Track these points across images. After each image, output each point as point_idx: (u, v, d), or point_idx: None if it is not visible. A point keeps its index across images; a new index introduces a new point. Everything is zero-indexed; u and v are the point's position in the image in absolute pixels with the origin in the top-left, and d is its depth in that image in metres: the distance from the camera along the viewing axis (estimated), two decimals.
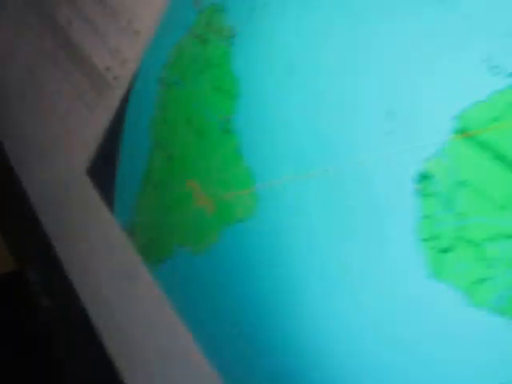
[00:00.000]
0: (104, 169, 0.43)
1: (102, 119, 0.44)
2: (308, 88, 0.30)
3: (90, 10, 0.46)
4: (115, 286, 0.41)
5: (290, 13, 0.32)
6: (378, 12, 0.28)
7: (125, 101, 0.42)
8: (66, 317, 0.47)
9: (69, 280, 0.46)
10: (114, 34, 0.43)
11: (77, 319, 0.44)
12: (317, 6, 0.30)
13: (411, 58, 0.26)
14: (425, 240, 0.25)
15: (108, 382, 0.40)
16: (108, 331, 0.42)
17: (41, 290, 0.48)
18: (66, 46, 0.48)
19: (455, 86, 0.25)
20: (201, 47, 0.36)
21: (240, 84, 0.34)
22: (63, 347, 0.46)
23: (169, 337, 0.37)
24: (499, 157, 0.23)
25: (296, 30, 0.31)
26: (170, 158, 0.38)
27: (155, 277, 0.38)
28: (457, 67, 0.25)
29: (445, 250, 0.24)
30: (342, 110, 0.29)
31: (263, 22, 0.33)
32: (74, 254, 0.45)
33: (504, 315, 0.22)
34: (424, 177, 0.25)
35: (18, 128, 0.54)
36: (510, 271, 0.23)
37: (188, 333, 0.36)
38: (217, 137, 0.34)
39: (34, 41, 0.52)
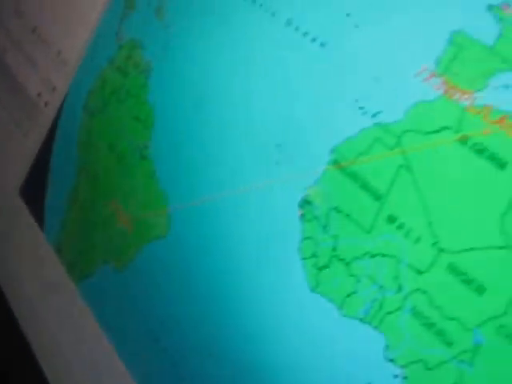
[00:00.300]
0: (35, 189, 0.44)
1: (34, 142, 0.45)
2: (212, 120, 0.33)
3: (25, 39, 0.48)
4: (44, 300, 0.43)
5: (199, 51, 0.34)
6: (271, 57, 0.30)
7: (54, 125, 0.43)
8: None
9: (3, 293, 0.47)
10: (45, 63, 0.45)
11: (9, 330, 0.46)
12: (221, 48, 0.33)
13: (298, 97, 0.29)
14: (306, 258, 0.27)
15: None
16: (39, 343, 0.44)
17: None
18: (1, 73, 0.49)
19: (332, 123, 0.27)
20: (121, 78, 0.38)
21: (155, 114, 0.36)
22: None
23: (92, 350, 0.38)
24: (365, 186, 0.26)
25: (203, 67, 0.34)
26: (94, 179, 0.39)
27: (81, 292, 0.40)
28: (333, 107, 0.27)
29: (322, 268, 0.27)
30: (240, 141, 0.31)
31: (176, 58, 0.36)
32: (7, 268, 0.46)
33: (369, 325, 0.25)
34: (306, 203, 0.28)
35: None
36: (374, 286, 0.25)
37: (111, 346, 0.37)
38: (135, 162, 0.37)
39: None
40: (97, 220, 0.39)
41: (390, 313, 0.25)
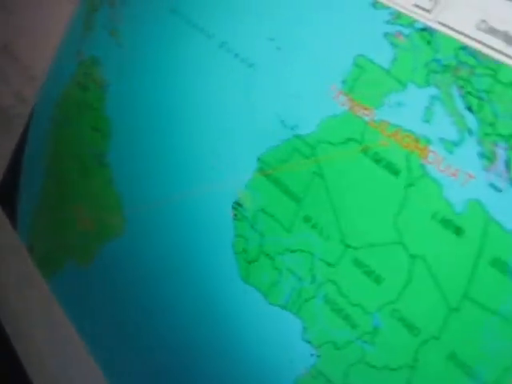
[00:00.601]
0: (9, 193, 0.46)
1: (7, 150, 0.47)
2: (160, 130, 0.34)
3: None
4: (19, 295, 0.44)
5: (148, 68, 0.36)
6: (207, 75, 0.32)
7: (24, 135, 0.45)
8: None
9: None
10: (16, 77, 0.46)
11: None
12: (166, 66, 0.35)
13: (230, 110, 0.31)
14: (238, 253, 0.29)
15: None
16: (16, 335, 0.45)
17: None
18: None
19: (258, 135, 0.29)
20: (81, 93, 0.40)
21: (112, 125, 0.38)
22: None
23: (63, 340, 0.40)
24: (286, 190, 0.28)
25: (152, 82, 0.36)
26: (59, 185, 0.41)
27: (51, 287, 0.41)
28: (259, 120, 0.29)
29: (251, 261, 0.29)
30: (183, 150, 0.33)
31: (129, 74, 0.37)
32: None
33: (290, 311, 0.27)
34: (237, 204, 0.30)
35: None
36: (293, 277, 0.27)
37: (79, 336, 0.39)
38: (94, 169, 0.38)
39: None
40: (62, 221, 0.40)
41: (306, 300, 0.27)
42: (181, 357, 0.32)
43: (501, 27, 0.23)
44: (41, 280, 0.42)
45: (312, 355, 0.26)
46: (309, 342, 0.26)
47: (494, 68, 0.22)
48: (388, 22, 0.26)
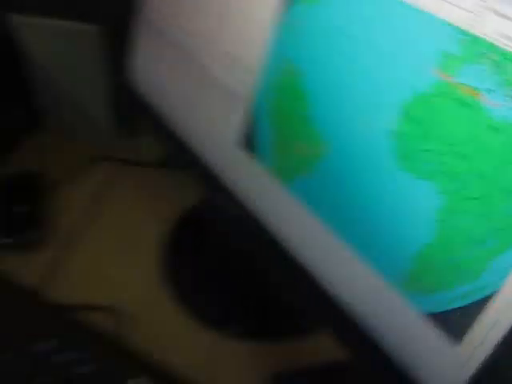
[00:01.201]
0: (247, 139, 0.78)
1: (242, 114, 0.78)
2: (340, 93, 0.63)
3: (229, 55, 0.80)
4: (265, 200, 0.77)
5: (319, 59, 0.64)
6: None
7: (252, 106, 0.76)
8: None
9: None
10: (240, 73, 0.77)
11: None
12: (329, 48, 0.63)
13: (377, 83, 0.59)
14: (400, 158, 0.58)
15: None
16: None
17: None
18: (210, 83, 0.82)
19: (404, 87, 0.57)
20: (286, 77, 0.69)
21: (308, 92, 0.67)
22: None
23: (298, 220, 0.72)
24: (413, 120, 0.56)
25: (324, 67, 0.64)
26: (281, 133, 0.72)
27: (291, 190, 0.73)
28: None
29: (403, 158, 0.57)
30: (353, 104, 0.62)
31: (311, 61, 0.66)
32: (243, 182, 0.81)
33: (427, 180, 0.56)
34: (394, 133, 0.58)
35: (192, 129, 0.89)
36: (428, 163, 0.56)
37: (313, 218, 0.70)
38: (300, 120, 0.68)
39: (190, 78, 0.86)
40: (288, 155, 0.71)
41: (434, 173, 0.55)
42: (364, 213, 0.62)
43: None
44: (282, 189, 0.74)
45: (439, 199, 0.54)
46: (440, 193, 0.55)
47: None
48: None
